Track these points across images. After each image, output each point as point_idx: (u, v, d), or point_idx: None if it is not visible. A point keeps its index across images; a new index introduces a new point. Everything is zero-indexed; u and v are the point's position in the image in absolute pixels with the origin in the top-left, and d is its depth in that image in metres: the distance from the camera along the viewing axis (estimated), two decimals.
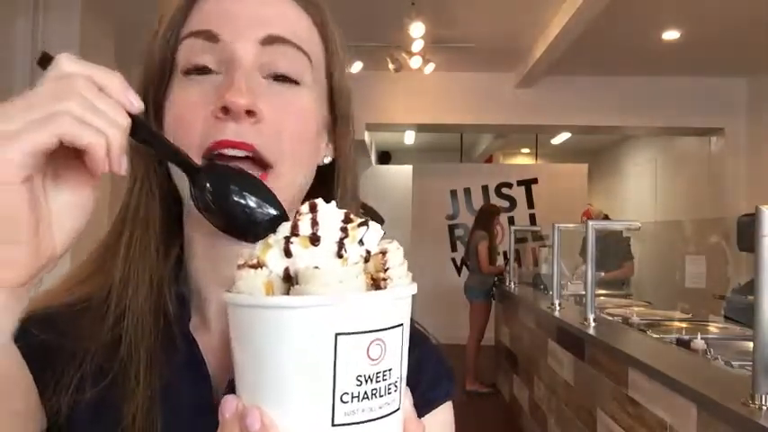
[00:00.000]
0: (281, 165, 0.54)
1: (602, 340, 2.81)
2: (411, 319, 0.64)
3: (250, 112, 0.52)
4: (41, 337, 0.54)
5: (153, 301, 0.56)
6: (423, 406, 0.59)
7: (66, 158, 0.42)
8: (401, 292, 0.38)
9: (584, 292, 3.33)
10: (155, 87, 0.56)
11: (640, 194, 9.19)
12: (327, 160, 0.62)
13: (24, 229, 0.40)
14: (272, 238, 0.40)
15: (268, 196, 0.49)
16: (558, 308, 3.72)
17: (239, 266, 0.39)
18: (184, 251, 0.60)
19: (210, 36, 0.53)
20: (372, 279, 0.39)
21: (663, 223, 6.53)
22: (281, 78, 0.55)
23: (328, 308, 0.35)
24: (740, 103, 6.65)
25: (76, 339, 0.55)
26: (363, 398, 0.36)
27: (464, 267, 7.23)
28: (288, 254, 0.38)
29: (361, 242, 0.39)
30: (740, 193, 6.48)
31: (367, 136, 7.56)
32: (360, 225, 0.39)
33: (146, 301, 0.56)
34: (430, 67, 5.75)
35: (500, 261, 6.29)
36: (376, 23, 5.26)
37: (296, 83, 0.56)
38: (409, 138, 9.37)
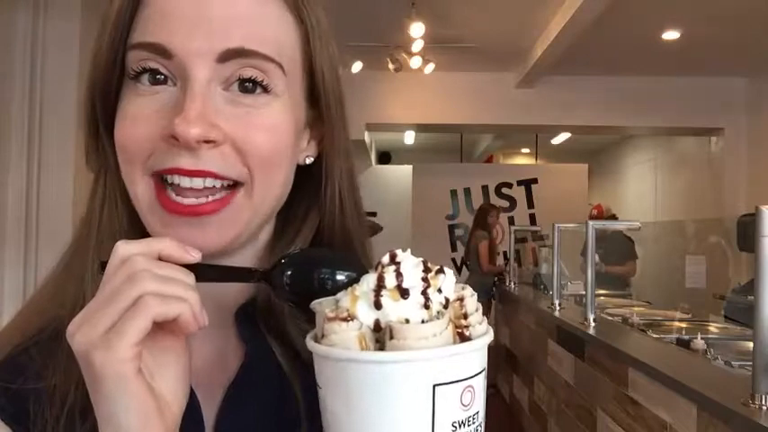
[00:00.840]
0: (249, 182, 0.49)
1: (602, 340, 2.81)
2: None
3: (206, 141, 0.46)
4: (13, 387, 0.49)
5: None
6: None
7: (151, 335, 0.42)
8: (484, 340, 0.40)
9: (584, 292, 3.33)
10: (103, 93, 0.50)
11: (640, 194, 9.19)
12: (309, 161, 0.56)
13: (153, 414, 0.41)
14: (358, 290, 0.41)
15: (342, 258, 0.48)
16: (558, 308, 3.71)
17: (329, 319, 0.40)
18: None
19: (160, 50, 0.47)
20: (455, 326, 0.40)
21: (663, 223, 6.54)
22: (248, 87, 0.48)
23: (428, 362, 0.37)
24: (740, 103, 6.65)
25: (51, 376, 0.49)
26: None
27: (464, 267, 7.23)
28: (378, 306, 0.39)
29: (439, 290, 0.40)
30: (740, 193, 6.49)
31: (367, 136, 7.56)
32: (437, 273, 0.41)
33: None
34: (430, 67, 5.75)
35: (500, 261, 6.29)
36: (376, 23, 5.26)
37: (264, 89, 0.49)
38: (409, 138, 9.37)
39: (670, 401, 2.09)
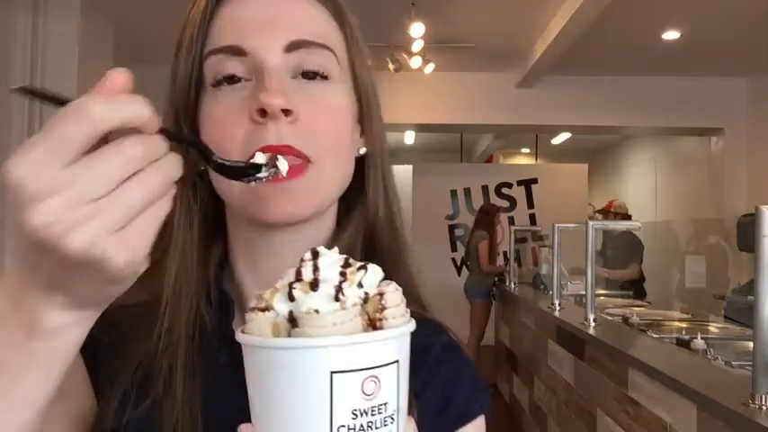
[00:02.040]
0: (320, 161, 0.55)
1: (602, 340, 2.81)
2: (448, 331, 0.67)
3: (286, 111, 0.53)
4: (100, 337, 0.53)
5: (195, 308, 0.58)
6: (460, 417, 0.60)
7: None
8: (393, 332, 0.41)
9: (584, 292, 3.33)
10: (184, 105, 0.57)
11: (640, 194, 9.19)
12: (363, 151, 0.63)
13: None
14: (279, 283, 0.43)
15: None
16: (558, 308, 3.72)
17: (251, 309, 0.42)
18: (228, 250, 0.62)
19: (236, 50, 0.54)
20: (370, 320, 0.41)
21: (663, 223, 6.53)
22: (310, 75, 0.56)
23: (323, 349, 0.39)
24: (740, 103, 6.64)
25: (132, 342, 0.56)
26: (359, 430, 0.39)
27: (464, 267, 7.23)
28: (291, 298, 0.41)
29: (360, 285, 0.42)
30: (740, 193, 6.48)
31: None
32: (359, 269, 0.42)
33: (189, 310, 0.57)
34: (430, 67, 5.75)
35: (500, 261, 6.29)
36: (376, 23, 5.26)
37: (325, 78, 0.57)
38: (409, 138, 9.37)
39: (670, 401, 2.09)
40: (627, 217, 5.85)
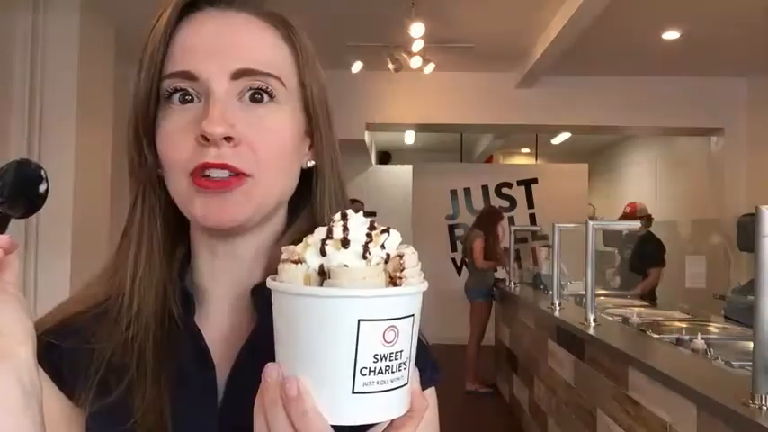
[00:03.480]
0: (258, 176, 0.60)
1: (602, 340, 2.80)
2: None
3: (227, 138, 0.58)
4: (63, 345, 0.64)
5: (160, 302, 0.64)
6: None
7: None
8: (412, 288, 0.46)
9: (584, 292, 3.33)
10: (144, 119, 0.62)
11: (640, 194, 9.17)
12: (310, 164, 0.68)
13: None
14: (310, 239, 0.48)
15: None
16: (558, 308, 3.71)
17: (283, 261, 0.48)
18: (190, 249, 0.69)
19: (188, 76, 0.60)
20: (391, 277, 0.47)
21: (663, 223, 6.52)
22: (256, 96, 0.61)
23: (354, 299, 0.44)
24: (740, 103, 6.64)
25: (95, 341, 0.63)
26: (378, 372, 0.45)
27: (464, 267, 7.23)
28: (323, 253, 0.46)
29: (382, 246, 0.47)
30: (740, 193, 6.48)
31: (367, 136, 7.55)
32: (382, 232, 0.48)
33: (154, 304, 0.64)
34: (430, 67, 5.74)
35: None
36: (376, 23, 5.26)
37: (271, 97, 0.62)
38: (409, 138, 9.37)
39: (670, 401, 2.09)
40: (650, 219, 5.80)
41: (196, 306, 0.66)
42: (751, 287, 1.77)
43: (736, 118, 6.63)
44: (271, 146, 0.61)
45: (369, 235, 0.47)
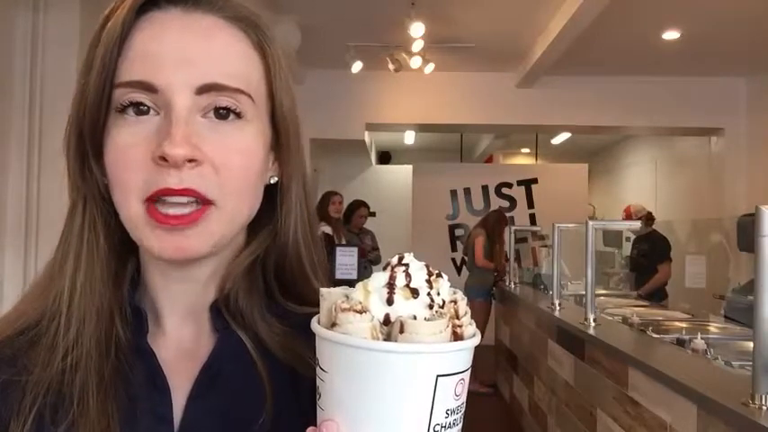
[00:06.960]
0: (223, 201, 0.55)
1: (602, 340, 2.80)
2: None
3: (190, 160, 0.52)
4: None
5: (104, 324, 0.57)
6: None
7: None
8: (477, 339, 0.46)
9: (584, 292, 3.33)
10: (91, 128, 0.55)
11: (640, 194, 9.18)
12: (273, 180, 0.62)
13: None
14: (369, 286, 0.45)
15: None
16: (558, 308, 3.71)
17: (344, 309, 0.44)
18: (140, 264, 0.61)
19: (147, 86, 0.53)
20: (452, 325, 0.45)
21: (663, 223, 6.52)
22: (221, 114, 0.55)
23: (436, 355, 0.42)
24: (740, 103, 6.64)
25: (30, 371, 0.56)
26: (448, 427, 0.44)
27: (464, 267, 7.23)
28: (390, 302, 0.44)
29: (438, 292, 0.45)
30: (740, 193, 6.48)
31: (367, 136, 7.55)
32: (437, 276, 0.46)
33: (96, 326, 0.56)
34: (430, 67, 5.75)
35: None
36: (376, 23, 5.27)
37: (237, 115, 0.56)
38: (409, 138, 9.37)
39: (670, 401, 2.09)
40: (651, 217, 5.80)
41: (149, 325, 0.60)
42: (751, 287, 1.78)
43: (735, 118, 6.63)
44: (236, 168, 0.55)
45: (428, 281, 0.45)
